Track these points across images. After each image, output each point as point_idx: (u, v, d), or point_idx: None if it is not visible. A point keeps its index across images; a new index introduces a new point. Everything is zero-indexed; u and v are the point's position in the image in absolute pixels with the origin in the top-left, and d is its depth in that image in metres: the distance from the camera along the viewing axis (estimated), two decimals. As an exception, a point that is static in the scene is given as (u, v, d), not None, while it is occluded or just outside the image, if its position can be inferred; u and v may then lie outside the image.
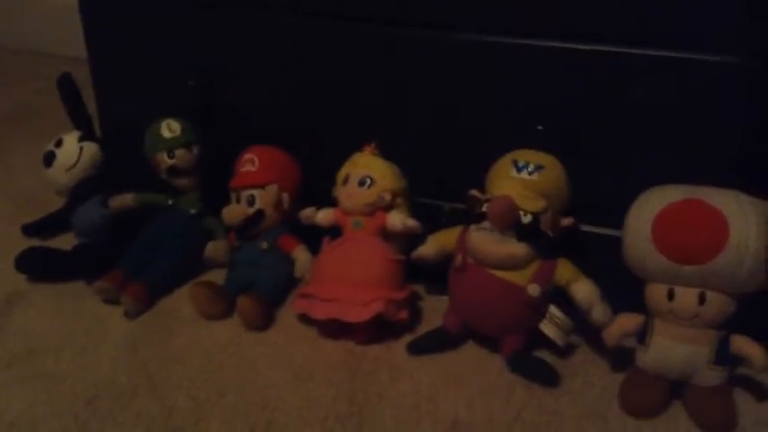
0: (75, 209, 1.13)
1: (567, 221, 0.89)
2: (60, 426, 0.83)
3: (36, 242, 1.15)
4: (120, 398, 0.86)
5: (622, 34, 0.85)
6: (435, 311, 0.98)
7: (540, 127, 0.90)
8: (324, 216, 1.02)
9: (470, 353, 0.93)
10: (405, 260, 0.97)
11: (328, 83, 1.04)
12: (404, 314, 0.94)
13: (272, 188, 1.03)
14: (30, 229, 1.18)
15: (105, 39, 1.20)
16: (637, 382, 0.83)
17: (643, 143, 0.88)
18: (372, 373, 0.89)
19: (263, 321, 0.97)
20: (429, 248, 0.96)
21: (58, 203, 1.20)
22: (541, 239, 0.86)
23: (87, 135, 1.18)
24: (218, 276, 1.05)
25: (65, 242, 1.13)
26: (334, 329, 0.94)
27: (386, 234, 0.98)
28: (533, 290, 0.84)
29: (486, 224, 0.86)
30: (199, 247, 1.06)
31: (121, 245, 1.06)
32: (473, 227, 0.88)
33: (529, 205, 0.85)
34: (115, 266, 1.03)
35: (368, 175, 0.98)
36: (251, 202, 1.04)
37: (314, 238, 1.02)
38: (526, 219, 0.85)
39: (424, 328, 0.96)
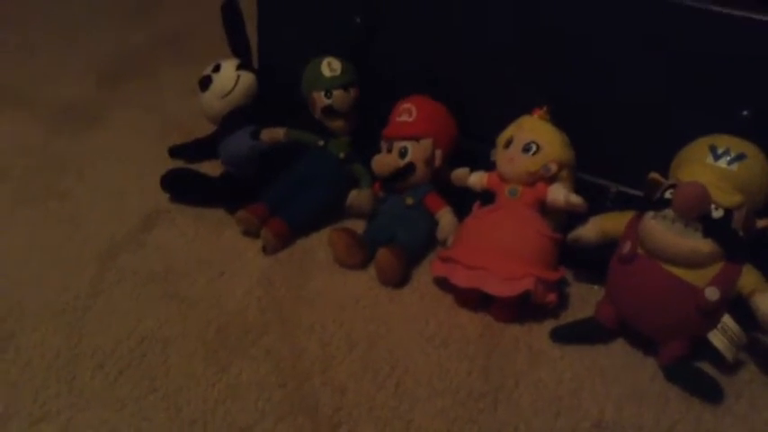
0: (223, 137, 1.12)
1: (763, 223, 0.77)
2: (189, 349, 0.82)
3: (181, 164, 1.15)
4: (251, 331, 0.84)
5: None
6: (583, 300, 0.91)
7: (745, 112, 0.79)
8: (477, 179, 0.95)
9: (621, 351, 0.84)
10: (561, 239, 0.89)
11: (502, 34, 0.96)
12: (553, 297, 0.86)
13: (426, 142, 0.98)
14: (176, 151, 1.19)
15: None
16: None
17: None
18: (510, 354, 0.83)
19: (400, 277, 0.92)
20: (590, 230, 0.87)
21: (204, 129, 1.20)
22: (731, 239, 0.75)
23: (245, 64, 1.17)
24: (357, 226, 1.01)
25: (210, 169, 1.13)
26: (473, 300, 0.88)
27: (543, 208, 0.90)
28: (712, 293, 0.75)
29: (667, 212, 0.77)
30: (343, 192, 1.02)
31: (266, 178, 1.04)
32: (650, 214, 0.79)
33: (723, 198, 0.75)
34: (258, 199, 1.01)
35: (534, 140, 0.90)
36: (403, 153, 0.99)
37: (462, 202, 0.96)
38: (717, 213, 0.75)
39: (569, 316, 0.89)
